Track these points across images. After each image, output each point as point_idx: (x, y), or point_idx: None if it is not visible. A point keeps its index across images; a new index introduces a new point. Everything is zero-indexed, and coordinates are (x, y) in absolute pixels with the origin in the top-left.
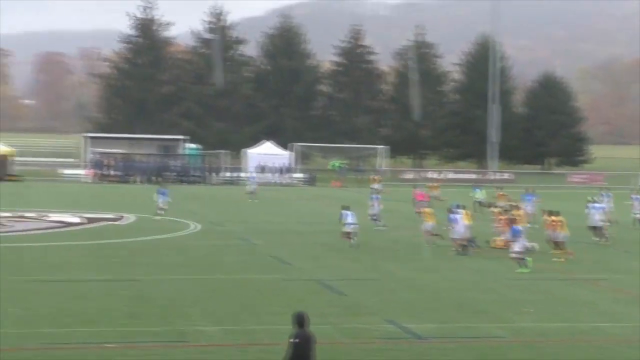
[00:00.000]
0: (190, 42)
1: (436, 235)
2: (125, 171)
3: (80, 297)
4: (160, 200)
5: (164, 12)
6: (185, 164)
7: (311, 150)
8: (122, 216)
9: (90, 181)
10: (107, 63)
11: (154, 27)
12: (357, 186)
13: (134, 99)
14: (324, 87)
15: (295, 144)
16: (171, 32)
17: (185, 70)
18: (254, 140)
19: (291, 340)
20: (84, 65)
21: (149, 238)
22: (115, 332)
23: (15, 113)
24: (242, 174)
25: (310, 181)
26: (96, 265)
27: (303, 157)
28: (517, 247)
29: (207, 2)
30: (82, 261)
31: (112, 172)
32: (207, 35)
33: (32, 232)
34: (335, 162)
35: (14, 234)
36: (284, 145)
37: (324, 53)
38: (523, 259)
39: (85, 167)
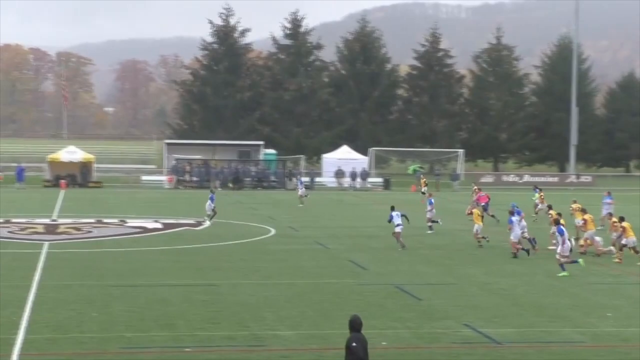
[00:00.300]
0: (267, 47)
1: (483, 238)
2: (203, 177)
3: (160, 302)
4: (207, 205)
5: (240, 18)
6: (263, 169)
7: (388, 155)
8: (200, 221)
9: (169, 187)
10: (186, 70)
11: (232, 34)
12: (434, 190)
13: (213, 106)
14: (401, 91)
15: (372, 148)
16: (249, 39)
17: (263, 76)
18: (331, 145)
19: (353, 345)
20: (164, 73)
21: (226, 243)
22: (193, 336)
23: (96, 120)
24: (320, 179)
25: (386, 185)
26: (175, 270)
27: (380, 161)
28: (559, 249)
29: (285, 8)
30: (161, 266)
31: (190, 178)
32: (285, 41)
33: (112, 237)
34: (413, 166)
35: (94, 239)
36: (360, 149)
37: (401, 57)
38: (573, 261)
39: (164, 173)
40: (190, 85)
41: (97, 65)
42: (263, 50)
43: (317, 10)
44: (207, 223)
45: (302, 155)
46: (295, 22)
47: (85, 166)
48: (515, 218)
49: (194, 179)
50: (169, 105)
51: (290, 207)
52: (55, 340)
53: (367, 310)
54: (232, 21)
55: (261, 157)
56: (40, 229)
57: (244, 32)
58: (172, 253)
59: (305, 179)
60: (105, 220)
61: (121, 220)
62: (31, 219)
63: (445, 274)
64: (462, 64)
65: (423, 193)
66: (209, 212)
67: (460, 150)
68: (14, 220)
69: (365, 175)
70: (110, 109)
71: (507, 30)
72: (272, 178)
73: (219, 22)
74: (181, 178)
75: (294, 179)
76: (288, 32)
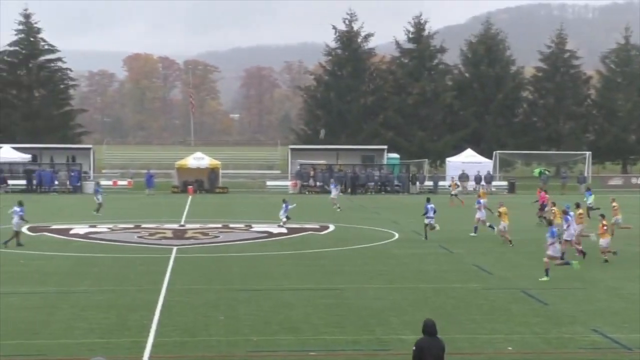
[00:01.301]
0: (391, 51)
1: (507, 239)
2: (327, 181)
3: (284, 306)
4: (281, 213)
5: (364, 23)
6: (386, 173)
7: (513, 158)
8: (324, 226)
9: (293, 192)
10: (310, 76)
11: (356, 39)
12: (560, 193)
13: (337, 110)
14: (526, 93)
15: (496, 151)
16: (372, 43)
17: (386, 81)
18: (454, 149)
19: (413, 348)
20: (288, 79)
21: (350, 247)
22: (317, 340)
23: (222, 127)
24: (445, 183)
25: (511, 189)
26: (299, 274)
27: (504, 165)
28: (550, 250)
29: (408, 12)
30: (285, 270)
31: (314, 183)
32: (408, 45)
33: (238, 242)
34: (539, 169)
35: (221, 244)
36: (485, 152)
37: (526, 59)
38: (565, 262)
39: (289, 178)
40: (314, 90)
41: (223, 73)
42: (386, 55)
43: (440, 14)
44: (283, 229)
45: (425, 159)
46: (419, 26)
47: (212, 172)
48: (569, 217)
49: (318, 183)
50: (293, 111)
51: (414, 211)
52: (184, 344)
53: (492, 314)
54: (356, 26)
55: (384, 161)
56: (169, 234)
57: (367, 37)
58: (296, 257)
59: (429, 184)
60: (232, 225)
61: (247, 225)
62: (160, 224)
63: (572, 279)
64: (589, 65)
65: (454, 195)
66: (283, 219)
67: (587, 153)
68: (143, 225)
69: (489, 178)
70: (235, 116)
71: (636, 30)
72: (396, 182)
73: (342, 27)
74: (305, 183)
75: (418, 184)
76: (411, 35)
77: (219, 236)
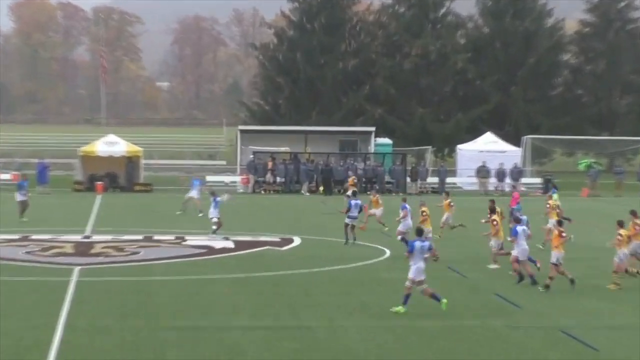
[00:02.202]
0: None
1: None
2: (292, 177)
3: (232, 351)
4: (210, 211)
5: None
6: (374, 166)
7: (549, 145)
8: (286, 239)
9: (244, 191)
10: (269, 30)
11: None
12: (614, 195)
13: (305, 78)
14: (567, 57)
15: (526, 136)
16: None
17: (374, 37)
18: (469, 132)
19: None
20: (238, 34)
21: (322, 269)
22: None
23: (146, 100)
24: (456, 180)
25: (546, 188)
26: (251, 306)
27: (538, 155)
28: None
29: None
30: (234, 301)
31: (273, 179)
32: None
33: (166, 261)
34: (586, 161)
35: (141, 263)
36: (511, 137)
37: (567, 9)
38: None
39: (238, 172)
40: (274, 50)
41: (147, 25)
42: (374, 2)
43: None
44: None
45: (428, 147)
46: None
47: (129, 163)
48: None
49: (279, 179)
50: (244, 78)
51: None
52: None
53: None
54: None
55: (372, 149)
56: (69, 248)
57: None
58: (247, 283)
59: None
60: (157, 237)
61: (178, 237)
62: (56, 235)
63: (629, 314)
64: None
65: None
66: (214, 222)
67: None
68: (34, 236)
69: (517, 173)
70: (164, 84)
71: None
72: (387, 178)
73: None
74: (261, 179)
75: (418, 180)
76: None
77: (139, 252)
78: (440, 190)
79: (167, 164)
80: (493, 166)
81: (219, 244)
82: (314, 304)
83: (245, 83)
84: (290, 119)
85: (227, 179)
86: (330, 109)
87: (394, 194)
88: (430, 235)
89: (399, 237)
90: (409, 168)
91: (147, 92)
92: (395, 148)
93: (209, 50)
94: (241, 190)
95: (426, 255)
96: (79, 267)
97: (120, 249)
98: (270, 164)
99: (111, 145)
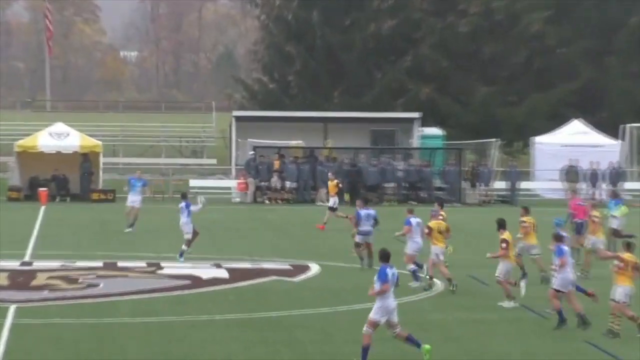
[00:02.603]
0: None
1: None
2: (306, 181)
3: None
4: (181, 222)
5: None
6: (420, 166)
7: None
8: (299, 265)
9: (241, 200)
10: None
11: None
12: None
13: (323, 46)
14: None
15: (628, 124)
16: None
17: None
18: (549, 119)
19: None
20: None
21: (350, 307)
22: None
23: (107, 77)
24: (532, 185)
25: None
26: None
27: None
28: None
29: None
30: (229, 353)
31: (281, 184)
32: None
33: (135, 296)
34: None
35: (101, 300)
36: (607, 126)
37: None
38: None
39: (232, 174)
40: (282, 8)
41: None
42: None
43: None
44: (222, 271)
45: (495, 139)
46: None
47: (84, 161)
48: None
49: (289, 185)
50: (240, 46)
51: (475, 238)
52: None
53: None
54: None
55: (416, 142)
56: (3, 280)
57: None
58: (248, 326)
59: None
60: (123, 264)
61: (151, 264)
62: None
63: None
64: None
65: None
66: (187, 234)
67: None
68: None
69: (617, 176)
70: (132, 54)
71: None
72: (438, 183)
73: None
74: (264, 184)
75: (481, 185)
76: None
77: (97, 284)
78: (512, 199)
79: (135, 163)
80: (584, 165)
81: (207, 272)
82: (337, 354)
83: (242, 53)
84: (304, 102)
85: (217, 183)
86: (359, 87)
87: (446, 205)
88: (537, 252)
89: (410, 268)
90: (466, 169)
91: (108, 66)
92: (448, 141)
93: (192, 9)
94: (237, 200)
95: (393, 288)
96: (15, 305)
97: (72, 280)
98: (276, 164)
99: (59, 137)
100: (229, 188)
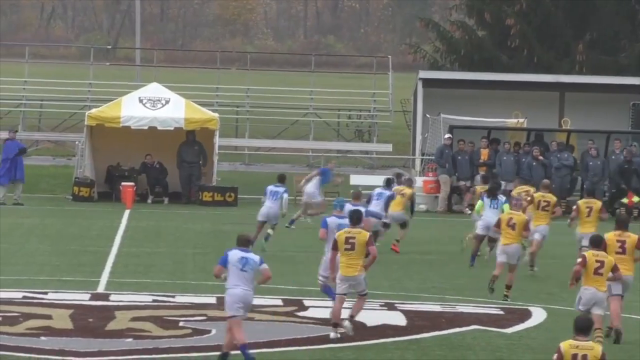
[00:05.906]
0: None
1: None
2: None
3: None
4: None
5: None
6: None
7: None
8: (518, 310)
9: (429, 209)
10: None
11: None
12: None
13: None
14: None
15: None
16: None
17: None
18: None
19: None
20: None
21: None
22: None
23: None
24: None
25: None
26: None
27: None
28: None
29: None
30: None
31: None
32: None
33: (266, 349)
34: None
35: (210, 354)
36: None
37: None
38: None
39: (422, 168)
40: None
41: None
42: None
43: None
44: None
45: None
46: None
47: (191, 144)
48: None
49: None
50: None
51: None
52: None
53: None
54: None
55: None
56: (65, 321)
57: None
58: None
59: None
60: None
61: (289, 302)
62: (32, 292)
63: None
64: None
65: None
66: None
67: None
68: None
69: None
70: None
71: None
72: None
73: None
74: (464, 183)
75: None
76: None
77: (208, 331)
78: None
79: (268, 147)
80: None
81: (373, 316)
82: None
83: None
84: (529, 60)
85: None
86: (614, 40)
87: None
88: None
89: None
90: None
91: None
92: None
93: None
94: (422, 207)
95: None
96: None
97: (170, 323)
98: (484, 154)
99: (154, 105)
100: (417, 188)
